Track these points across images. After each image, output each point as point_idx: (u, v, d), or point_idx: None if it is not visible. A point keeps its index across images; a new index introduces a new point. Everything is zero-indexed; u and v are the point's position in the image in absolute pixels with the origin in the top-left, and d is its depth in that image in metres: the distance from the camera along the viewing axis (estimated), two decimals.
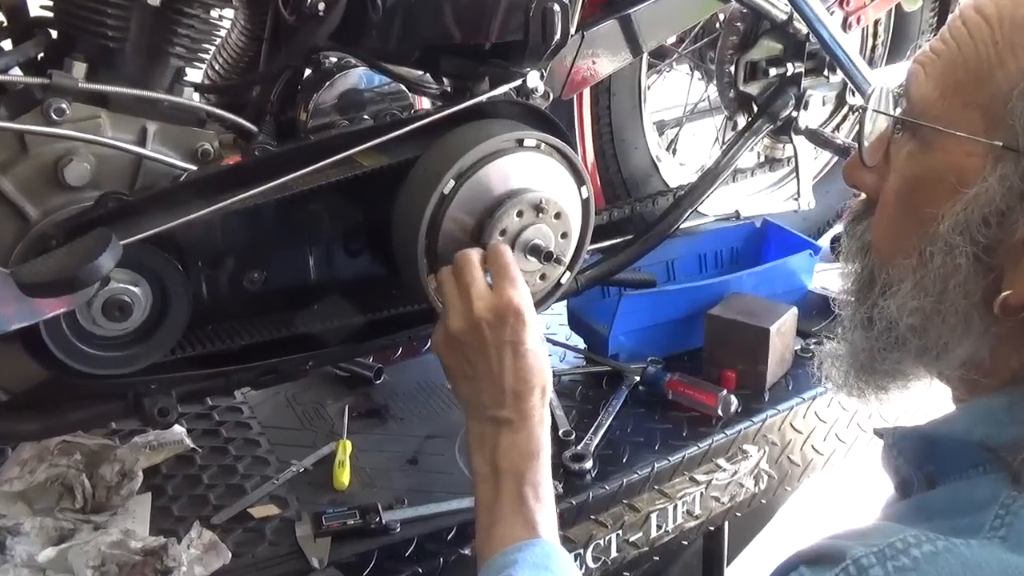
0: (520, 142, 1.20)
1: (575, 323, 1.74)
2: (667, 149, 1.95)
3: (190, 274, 1.17)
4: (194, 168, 1.16)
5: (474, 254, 1.05)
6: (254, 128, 1.22)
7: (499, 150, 1.19)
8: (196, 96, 1.26)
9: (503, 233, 1.18)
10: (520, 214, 1.18)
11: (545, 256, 1.19)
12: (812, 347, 1.66)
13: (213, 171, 1.14)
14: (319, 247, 1.28)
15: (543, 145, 1.23)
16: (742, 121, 1.83)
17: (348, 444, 1.42)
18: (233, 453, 1.44)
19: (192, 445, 1.43)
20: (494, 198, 1.18)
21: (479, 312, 1.00)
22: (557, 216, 1.21)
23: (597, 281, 1.59)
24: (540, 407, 0.99)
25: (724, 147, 1.74)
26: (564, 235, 1.23)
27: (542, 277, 1.24)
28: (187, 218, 1.07)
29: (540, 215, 1.19)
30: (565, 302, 1.73)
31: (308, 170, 1.14)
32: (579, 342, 1.75)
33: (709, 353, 1.60)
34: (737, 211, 1.89)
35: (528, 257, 1.20)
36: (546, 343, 1.08)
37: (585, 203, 1.30)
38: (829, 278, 1.82)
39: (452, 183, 1.16)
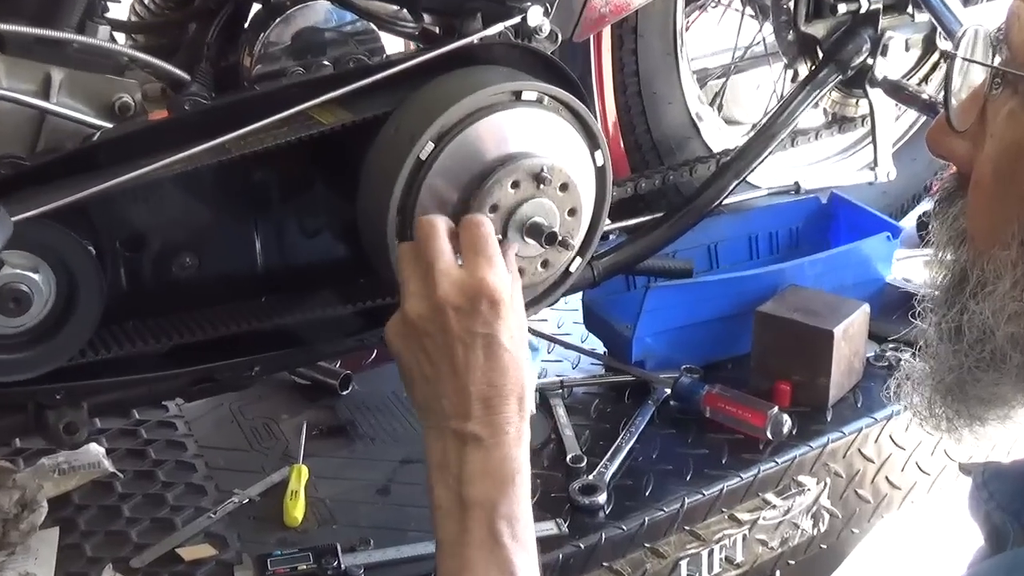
0: (517, 95, 1.19)
1: (592, 322, 1.73)
2: (711, 105, 1.93)
3: (104, 258, 1.17)
4: (110, 126, 1.16)
5: (440, 222, 1.03)
6: (186, 76, 1.22)
7: (491, 105, 1.18)
8: (115, 37, 1.26)
9: (494, 209, 1.17)
10: (516, 185, 1.17)
11: (547, 238, 1.18)
12: (888, 355, 1.65)
13: (133, 129, 1.14)
14: (267, 225, 1.28)
15: (547, 99, 1.22)
16: (804, 70, 1.82)
17: (304, 470, 1.42)
18: (162, 479, 1.44)
19: (112, 469, 1.43)
20: (483, 165, 1.17)
21: (443, 294, 0.98)
22: (563, 188, 1.21)
23: (619, 269, 1.58)
24: (517, 420, 0.96)
25: (781, 102, 1.73)
26: (572, 212, 1.23)
27: (544, 264, 1.24)
28: (100, 187, 1.07)
29: (541, 186, 1.18)
30: (580, 296, 1.72)
31: (252, 128, 1.14)
32: (597, 345, 1.74)
33: (758, 361, 1.59)
34: (797, 183, 1.87)
35: (526, 239, 1.19)
36: (529, 341, 1.06)
37: (600, 172, 1.29)
38: (913, 268, 1.81)
39: (431, 146, 1.16)
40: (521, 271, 1.21)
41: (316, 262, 1.32)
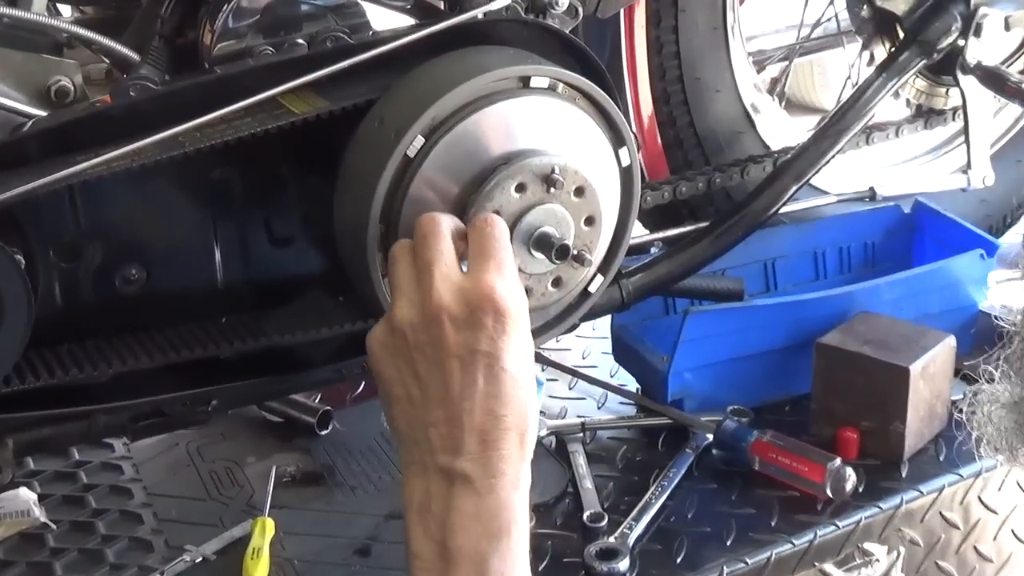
0: (526, 82, 1.22)
1: (622, 352, 1.75)
2: (771, 93, 1.95)
3: (35, 269, 1.20)
4: (44, 114, 1.19)
5: (444, 219, 1.05)
6: (135, 56, 1.25)
7: (493, 93, 1.20)
8: (58, 9, 1.29)
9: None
10: (521, 188, 1.19)
11: (558, 251, 1.20)
12: (973, 395, 1.65)
13: (70, 118, 1.17)
14: (228, 233, 1.30)
15: (561, 87, 1.24)
16: (882, 53, 1.83)
17: (269, 524, 1.45)
18: (102, 532, 1.47)
19: (43, 519, 1.46)
20: (483, 164, 1.19)
21: (441, 301, 0.98)
22: (579, 192, 1.22)
23: (654, 289, 1.60)
24: (518, 460, 0.96)
25: (854, 91, 1.74)
26: (590, 220, 1.24)
27: (556, 283, 1.25)
28: (30, 187, 1.10)
29: (552, 190, 1.20)
30: (609, 322, 1.74)
31: (210, 117, 1.17)
32: (628, 381, 1.76)
33: (819, 403, 1.60)
34: (873, 188, 1.88)
35: (534, 252, 1.21)
36: (535, 367, 1.06)
37: (626, 173, 1.31)
38: (1014, 293, 1.81)
39: (421, 141, 1.18)
40: (528, 291, 1.22)
41: (286, 277, 1.34)
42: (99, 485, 1.55)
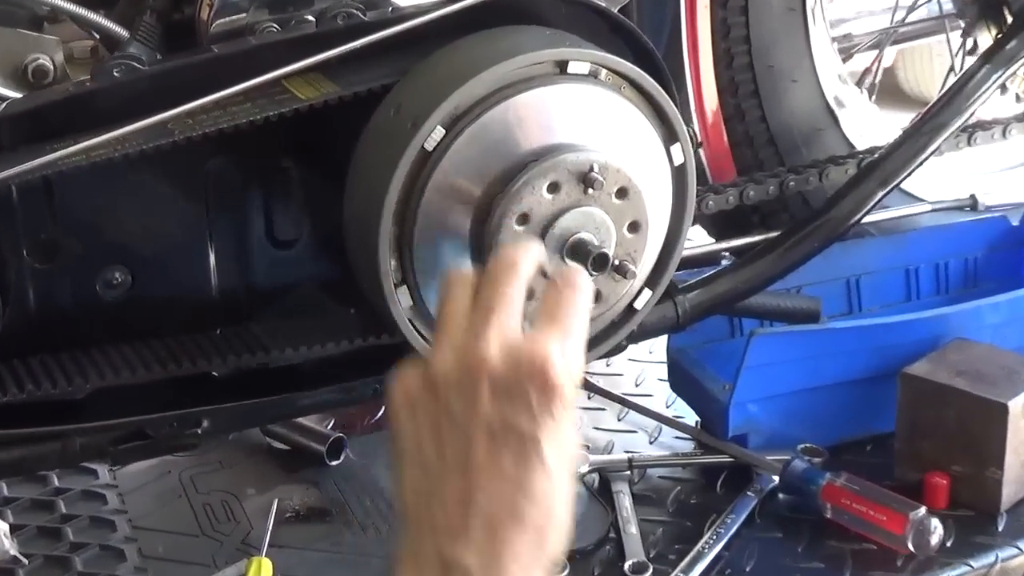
0: (563, 66, 1.22)
1: (679, 379, 1.74)
2: (858, 85, 1.94)
3: (5, 269, 1.22)
4: (18, 96, 1.21)
5: (529, 260, 1.00)
6: (124, 32, 1.27)
7: (525, 80, 1.21)
8: None
9: (524, 220, 1.20)
10: (555, 188, 1.20)
11: (596, 261, 1.20)
12: None
13: (47, 101, 1.19)
14: (224, 233, 1.32)
15: (604, 73, 1.24)
16: (987, 40, 1.81)
17: (267, 565, 1.45)
18: (79, 569, 1.48)
19: (14, 552, 1.47)
20: (511, 160, 1.20)
21: (487, 353, 0.93)
22: (622, 194, 1.23)
23: (715, 307, 1.59)
24: (532, 566, 0.89)
25: (953, 83, 1.72)
26: (634, 226, 1.25)
27: (594, 297, 1.25)
28: (0, 176, 1.12)
29: (590, 191, 1.21)
30: (665, 345, 1.74)
31: (204, 101, 1.18)
32: (686, 412, 1.75)
33: (904, 442, 1.58)
34: (974, 196, 1.86)
35: (568, 261, 1.22)
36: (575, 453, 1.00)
37: (679, 173, 1.31)
38: None
39: (441, 132, 1.19)
40: None
41: (289, 283, 1.35)
42: (79, 516, 1.56)
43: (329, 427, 1.72)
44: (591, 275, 1.21)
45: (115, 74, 1.19)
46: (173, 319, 1.31)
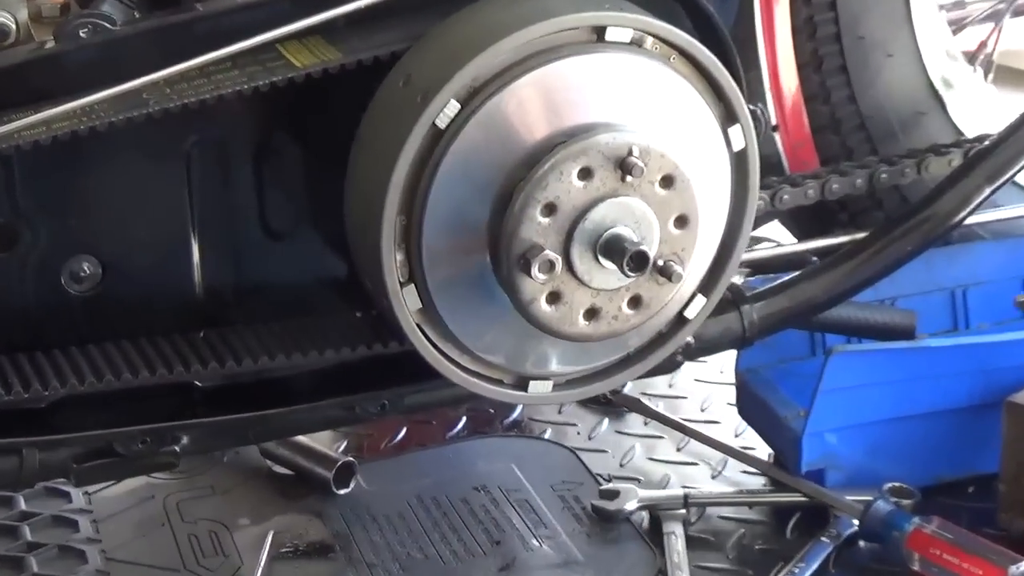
0: (600, 33, 1.23)
1: (749, 404, 1.74)
2: (971, 63, 1.92)
3: None
4: None
5: None
6: None
7: (554, 48, 1.21)
8: None
9: (550, 210, 1.20)
10: (587, 174, 1.20)
11: (633, 260, 1.20)
12: None
13: (7, 65, 1.21)
14: (209, 220, 1.34)
15: (650, 41, 1.25)
16: None
17: None
18: None
19: None
20: (536, 141, 1.21)
21: None
22: (667, 182, 1.23)
23: (788, 320, 1.58)
24: None
25: None
26: (681, 221, 1.24)
27: (634, 303, 1.26)
28: None
29: (629, 178, 1.21)
30: (735, 362, 1.73)
31: (184, 67, 1.19)
32: (755, 442, 1.75)
33: (1009, 483, 1.57)
34: None
35: (601, 259, 1.22)
36: None
37: (740, 160, 1.31)
38: None
39: (455, 107, 1.19)
40: (593, 312, 1.23)
41: (283, 280, 1.38)
42: (46, 545, 1.58)
43: (340, 450, 1.73)
44: (627, 276, 1.21)
45: (81, 35, 1.21)
46: (149, 319, 1.33)
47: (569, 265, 1.21)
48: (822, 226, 1.77)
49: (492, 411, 1.87)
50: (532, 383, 1.32)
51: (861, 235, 1.65)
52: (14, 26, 1.26)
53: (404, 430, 1.80)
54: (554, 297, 1.22)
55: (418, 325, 1.25)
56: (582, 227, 1.21)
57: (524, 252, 1.19)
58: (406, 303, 1.24)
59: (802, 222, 1.82)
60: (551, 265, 1.20)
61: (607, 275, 1.23)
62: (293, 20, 1.22)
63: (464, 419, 1.85)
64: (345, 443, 1.77)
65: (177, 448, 1.34)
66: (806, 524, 1.61)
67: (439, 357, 1.27)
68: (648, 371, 1.39)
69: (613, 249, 1.21)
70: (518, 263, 1.20)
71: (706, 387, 1.89)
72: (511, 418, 1.87)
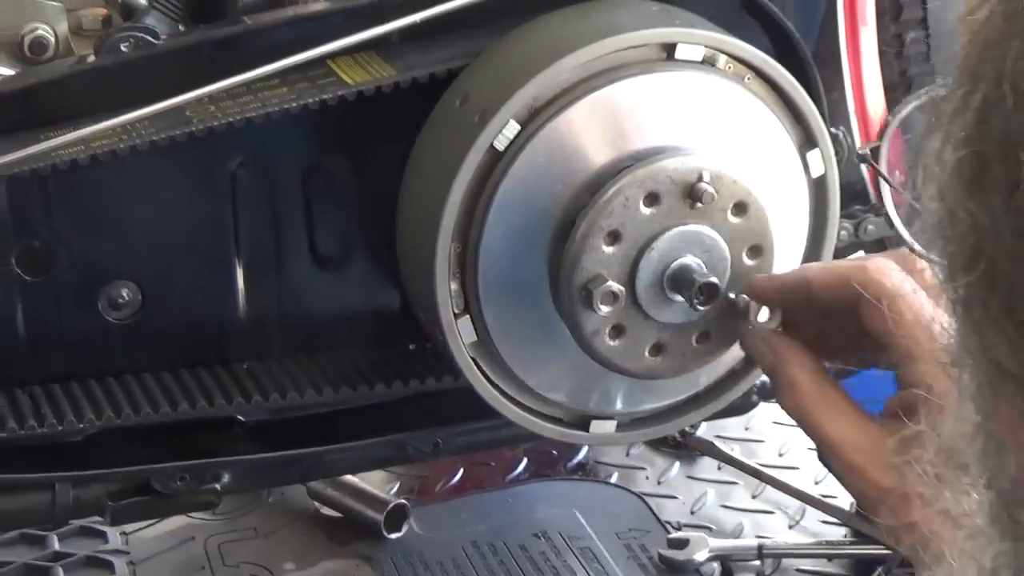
0: (669, 50, 1.23)
1: None
2: None
3: None
4: (11, 73, 1.26)
5: None
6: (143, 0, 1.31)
7: (620, 66, 1.22)
8: None
9: (614, 238, 1.20)
10: (654, 201, 1.20)
11: (702, 292, 1.20)
12: None
13: (41, 79, 1.24)
14: (254, 245, 1.35)
15: (723, 59, 1.25)
16: None
17: None
18: None
19: None
20: (600, 165, 1.21)
21: None
22: (740, 209, 1.22)
23: None
24: None
25: None
26: (756, 251, 1.24)
27: (703, 338, 1.25)
28: None
29: (699, 205, 1.21)
30: None
31: (230, 83, 1.21)
32: (835, 490, 1.74)
33: None
34: None
35: (669, 293, 1.22)
36: None
37: (819, 186, 1.32)
38: None
39: (515, 128, 1.20)
40: (660, 348, 1.24)
41: (332, 309, 1.39)
42: None
43: (392, 492, 1.74)
44: (696, 310, 1.21)
45: (123, 49, 1.22)
46: (190, 348, 1.35)
47: (634, 297, 1.21)
48: None
49: (555, 453, 1.86)
50: (594, 422, 1.32)
51: None
52: (53, 39, 1.28)
53: (460, 472, 1.80)
54: (617, 331, 1.22)
55: (473, 359, 1.26)
56: (648, 257, 1.21)
57: (586, 283, 1.19)
58: (460, 335, 1.24)
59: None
60: (614, 297, 1.20)
61: (674, 308, 1.22)
62: (344, 35, 1.23)
63: (524, 461, 1.85)
64: (397, 485, 1.78)
65: (218, 486, 1.35)
66: None
67: (495, 393, 1.28)
68: (720, 412, 1.39)
69: (681, 281, 1.21)
70: (579, 294, 1.20)
71: (784, 430, 1.88)
72: (575, 460, 1.86)
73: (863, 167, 1.71)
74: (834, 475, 1.15)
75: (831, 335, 1.19)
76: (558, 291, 1.22)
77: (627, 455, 1.87)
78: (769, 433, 1.90)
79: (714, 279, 1.20)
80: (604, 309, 1.20)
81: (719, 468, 1.83)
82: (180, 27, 1.30)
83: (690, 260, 1.21)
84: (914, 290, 1.12)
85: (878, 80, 1.72)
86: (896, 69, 1.74)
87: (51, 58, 1.28)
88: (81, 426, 1.27)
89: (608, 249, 1.20)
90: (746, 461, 1.82)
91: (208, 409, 1.30)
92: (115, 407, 1.29)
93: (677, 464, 1.86)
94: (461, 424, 1.39)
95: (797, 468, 1.82)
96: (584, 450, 1.87)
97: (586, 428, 1.33)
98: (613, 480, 1.83)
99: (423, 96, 1.26)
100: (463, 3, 1.25)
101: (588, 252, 1.20)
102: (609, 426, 1.33)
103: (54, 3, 1.29)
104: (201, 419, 1.32)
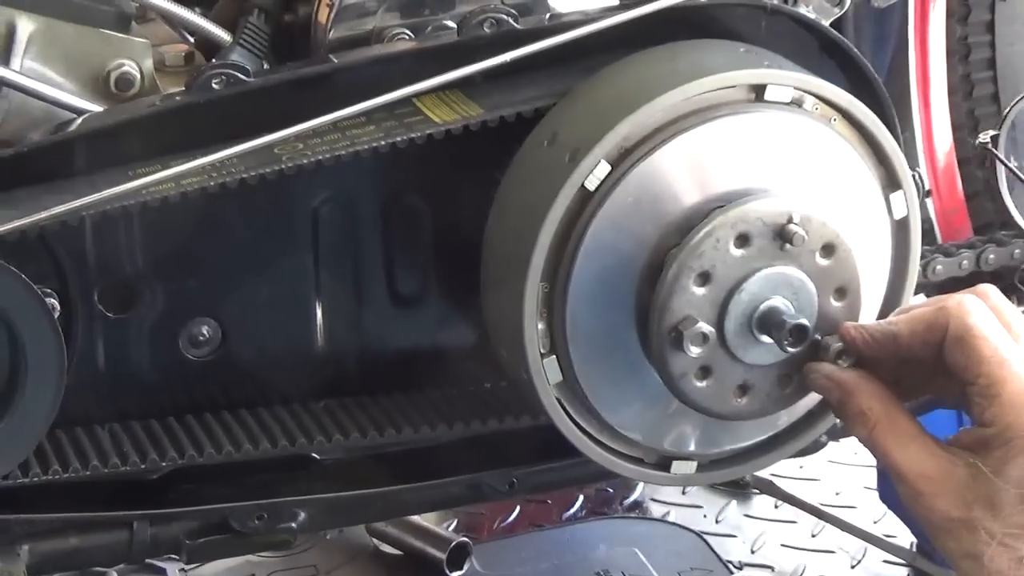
0: (759, 91, 1.24)
1: (890, 488, 1.71)
2: None
3: (72, 318, 1.27)
4: (99, 109, 1.26)
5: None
6: (226, 36, 1.32)
7: (710, 107, 1.22)
8: None
9: (705, 279, 1.20)
10: (744, 242, 1.20)
11: (792, 334, 1.20)
12: None
13: (131, 116, 1.23)
14: (335, 284, 1.36)
15: (811, 101, 1.26)
16: None
17: None
18: None
19: None
20: (690, 206, 1.22)
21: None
22: (827, 251, 1.22)
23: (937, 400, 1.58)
24: None
25: None
26: (841, 292, 1.24)
27: (786, 380, 1.25)
28: (73, 205, 1.16)
29: (788, 247, 1.21)
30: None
31: (318, 122, 1.21)
32: (898, 529, 1.74)
33: None
34: None
35: (757, 334, 1.22)
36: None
37: (901, 228, 1.32)
38: None
39: (606, 168, 1.20)
40: (747, 388, 1.24)
41: (412, 348, 1.39)
42: None
43: (450, 529, 1.74)
44: (785, 352, 1.21)
45: (213, 85, 1.23)
46: (269, 386, 1.35)
47: (722, 338, 1.21)
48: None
49: (610, 490, 1.87)
50: (675, 463, 1.32)
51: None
52: (138, 74, 1.28)
53: (518, 509, 1.80)
54: (705, 372, 1.22)
55: (558, 399, 1.26)
56: (738, 298, 1.21)
57: (676, 324, 1.19)
58: (547, 375, 1.24)
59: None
60: (704, 338, 1.20)
61: (761, 349, 1.22)
62: (431, 74, 1.23)
63: (581, 498, 1.85)
64: (455, 522, 1.78)
65: (294, 525, 1.35)
66: None
67: (579, 433, 1.28)
68: (795, 453, 1.39)
69: (770, 322, 1.21)
70: (669, 336, 1.20)
71: (840, 468, 1.89)
72: (631, 499, 1.87)
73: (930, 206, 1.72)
74: (903, 500, 1.15)
75: (906, 375, 1.20)
76: (647, 332, 1.22)
77: (683, 493, 1.88)
78: (824, 472, 1.91)
79: (804, 321, 1.20)
80: (694, 351, 1.20)
81: (776, 507, 1.83)
82: (264, 64, 1.30)
83: (779, 302, 1.21)
84: (995, 326, 1.14)
85: (947, 120, 1.73)
86: (963, 109, 1.75)
87: (136, 94, 1.28)
88: (164, 464, 1.27)
89: (698, 290, 1.20)
90: (804, 499, 1.82)
91: (289, 448, 1.31)
92: (197, 445, 1.29)
93: (733, 503, 1.86)
94: (536, 463, 1.39)
95: (855, 507, 1.83)
96: (640, 488, 1.88)
97: (667, 468, 1.32)
98: (670, 518, 1.83)
99: (510, 135, 1.26)
100: (550, 43, 1.25)
101: (679, 293, 1.19)
102: (690, 467, 1.33)
103: (140, 39, 1.29)
104: (278, 457, 1.32)
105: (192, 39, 1.39)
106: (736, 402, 1.25)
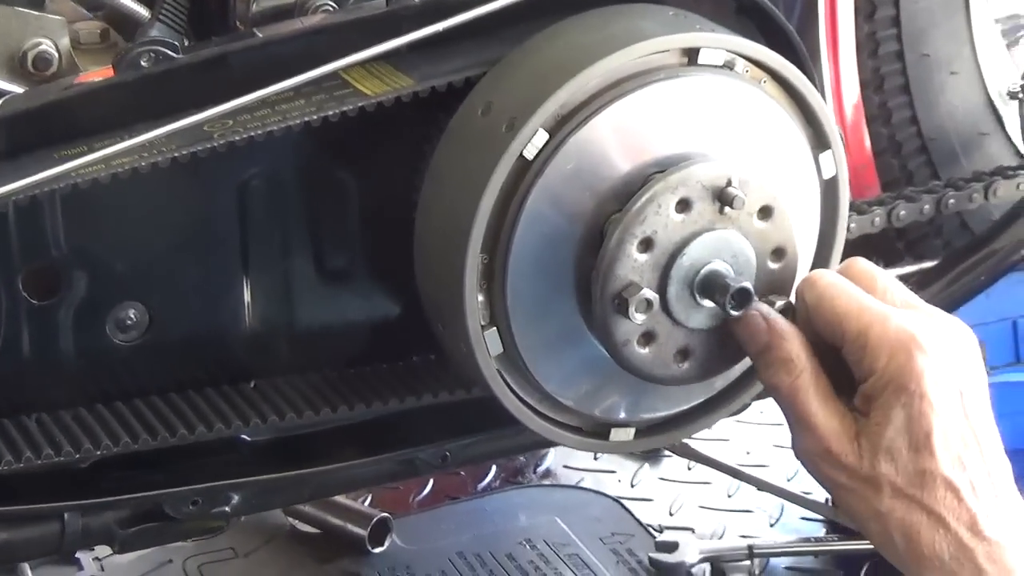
0: (692, 55, 1.24)
1: None
2: None
3: None
4: (18, 90, 1.24)
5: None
6: (144, 11, 1.29)
7: (645, 71, 1.22)
8: None
9: (647, 245, 1.20)
10: (685, 207, 1.20)
11: (736, 297, 1.20)
12: None
13: (53, 99, 1.21)
14: (263, 262, 1.34)
15: (741, 63, 1.26)
16: None
17: None
18: None
19: None
20: (630, 172, 1.21)
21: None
22: (765, 213, 1.23)
23: None
24: None
25: None
26: (779, 253, 1.25)
27: (725, 342, 1.26)
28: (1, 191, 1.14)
29: (727, 210, 1.21)
30: None
31: (247, 99, 1.19)
32: (810, 486, 1.77)
33: None
34: None
35: (699, 297, 1.22)
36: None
37: (830, 187, 1.33)
38: None
39: (544, 137, 1.20)
40: (687, 352, 1.25)
41: (341, 325, 1.37)
42: None
43: (368, 505, 1.73)
44: (729, 315, 1.22)
45: (142, 64, 1.20)
46: (198, 368, 1.33)
47: (665, 304, 1.21)
48: (881, 257, 1.78)
49: (523, 459, 1.87)
50: (614, 430, 1.33)
51: (927, 265, 1.67)
52: (56, 53, 1.26)
53: (431, 483, 1.79)
54: (647, 338, 1.22)
55: (499, 371, 1.25)
56: (679, 263, 1.21)
57: (620, 291, 1.20)
58: (488, 347, 1.24)
59: (858, 252, 1.83)
60: (649, 304, 1.20)
61: (703, 314, 1.23)
62: (359, 45, 1.22)
63: (494, 469, 1.86)
64: (370, 497, 1.77)
65: (228, 508, 1.34)
66: (882, 572, 1.61)
67: (519, 404, 1.27)
68: (732, 413, 1.40)
69: (713, 286, 1.21)
70: (613, 303, 1.20)
71: (749, 428, 1.90)
72: (543, 466, 1.87)
73: None
74: (806, 460, 1.17)
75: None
76: (588, 300, 1.22)
77: (594, 459, 1.88)
78: (733, 432, 1.92)
79: (747, 284, 1.21)
80: (639, 317, 1.20)
81: (689, 469, 1.84)
82: (185, 40, 1.28)
83: (720, 265, 1.22)
84: (847, 284, 1.18)
85: (855, 78, 1.75)
86: (869, 67, 1.77)
87: (54, 74, 1.25)
88: (98, 453, 1.25)
89: (641, 256, 1.20)
90: (718, 459, 1.84)
91: (225, 431, 1.29)
92: (131, 432, 1.27)
93: (646, 466, 1.87)
94: (469, 436, 1.39)
95: (767, 466, 1.84)
96: (551, 455, 1.88)
97: (606, 436, 1.33)
98: (584, 484, 1.84)
99: (441, 106, 1.25)
100: (481, 12, 1.24)
101: (622, 260, 1.20)
102: (628, 433, 1.34)
103: (54, 16, 1.27)
104: (209, 442, 1.30)
105: (100, 15, 1.36)
106: (677, 367, 1.25)
